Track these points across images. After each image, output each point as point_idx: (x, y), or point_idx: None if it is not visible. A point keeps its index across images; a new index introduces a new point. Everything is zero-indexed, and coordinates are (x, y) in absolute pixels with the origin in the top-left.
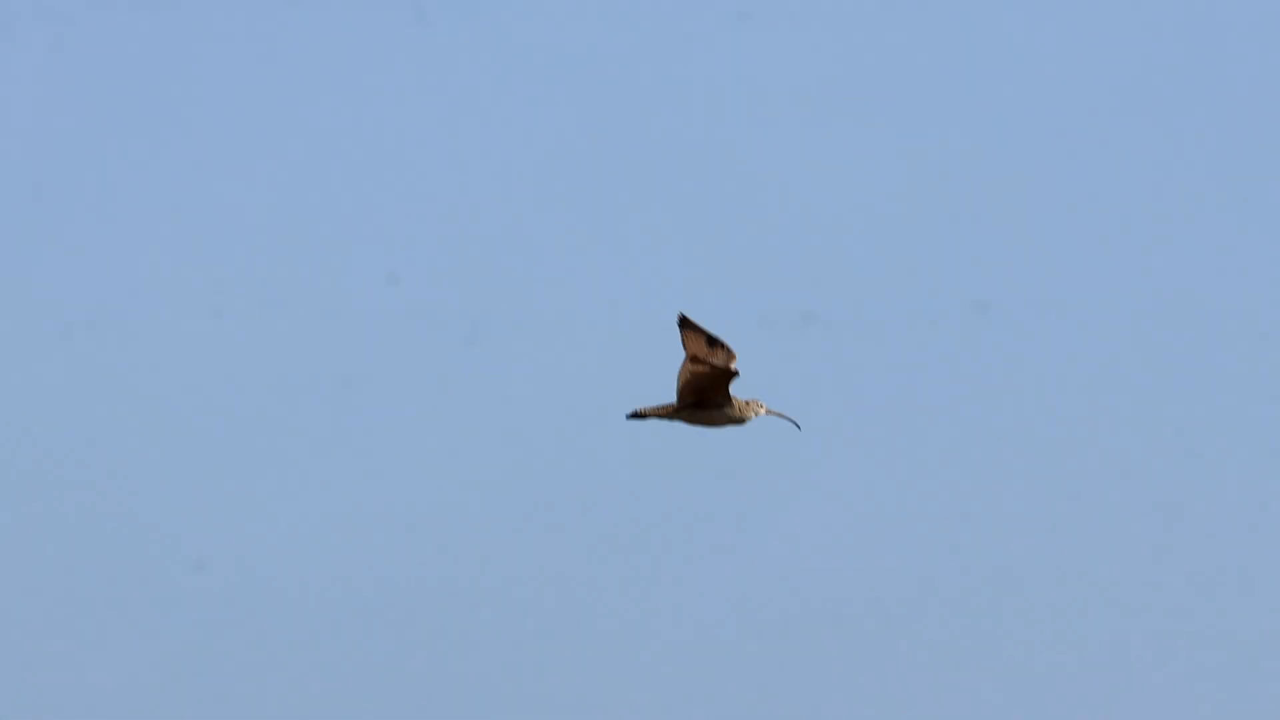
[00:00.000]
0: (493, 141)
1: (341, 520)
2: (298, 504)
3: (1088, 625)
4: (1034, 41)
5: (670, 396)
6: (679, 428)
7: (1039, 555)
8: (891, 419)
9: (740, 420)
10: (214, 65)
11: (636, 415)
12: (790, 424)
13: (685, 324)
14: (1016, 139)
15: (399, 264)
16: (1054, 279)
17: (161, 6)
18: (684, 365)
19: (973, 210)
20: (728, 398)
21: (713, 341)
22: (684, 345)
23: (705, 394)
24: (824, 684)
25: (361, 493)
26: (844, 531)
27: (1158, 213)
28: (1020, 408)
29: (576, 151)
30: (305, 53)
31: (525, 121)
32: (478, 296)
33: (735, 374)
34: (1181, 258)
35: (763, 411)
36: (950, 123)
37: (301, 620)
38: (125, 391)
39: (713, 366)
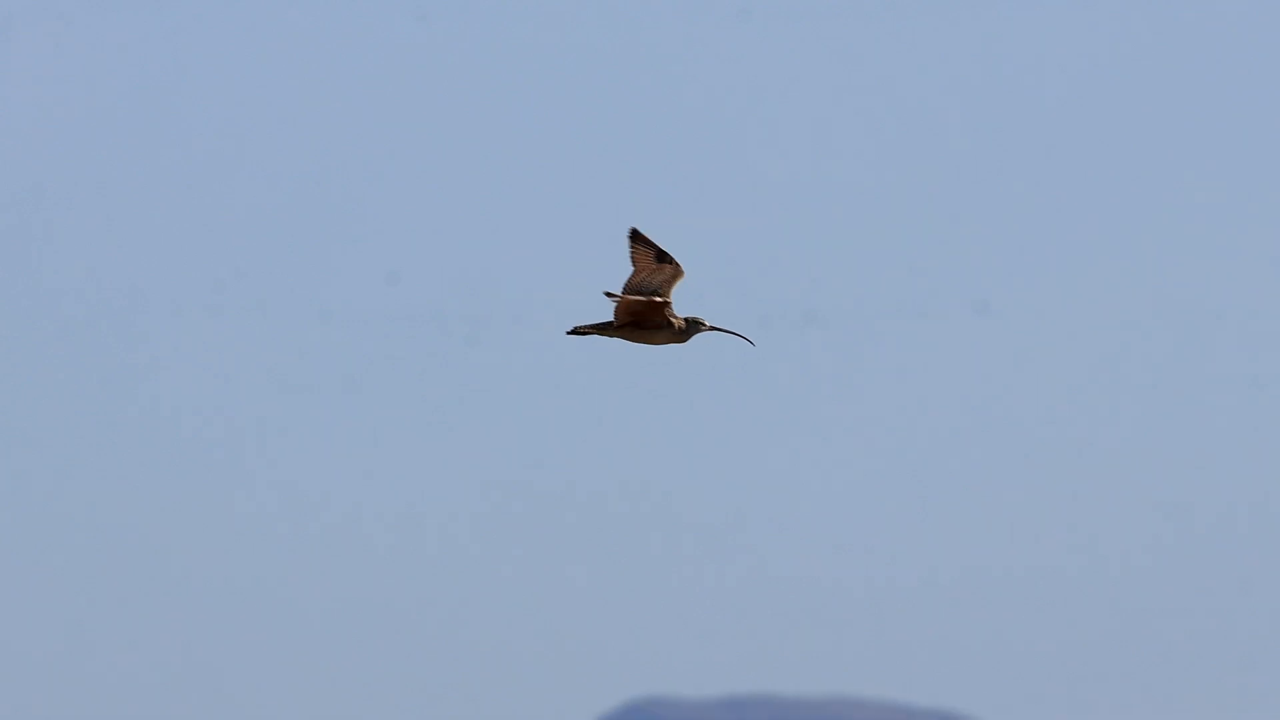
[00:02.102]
0: (493, 141)
1: (341, 519)
2: (297, 502)
3: (1086, 622)
4: (1034, 43)
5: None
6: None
7: (1038, 553)
8: (891, 418)
9: (681, 338)
10: (214, 65)
11: (576, 331)
12: (743, 340)
13: (636, 237)
14: (1017, 140)
15: (399, 264)
16: (1054, 279)
17: (161, 7)
18: (623, 292)
19: (973, 210)
20: (666, 319)
21: (661, 256)
22: (632, 261)
23: (643, 317)
24: (821, 681)
25: (361, 491)
26: (844, 527)
27: (1157, 213)
28: (1020, 407)
29: (576, 151)
30: (306, 53)
31: (525, 121)
32: (478, 296)
33: (668, 304)
34: (1181, 258)
35: (705, 328)
36: (951, 123)
37: (301, 618)
38: (125, 390)
39: (647, 301)
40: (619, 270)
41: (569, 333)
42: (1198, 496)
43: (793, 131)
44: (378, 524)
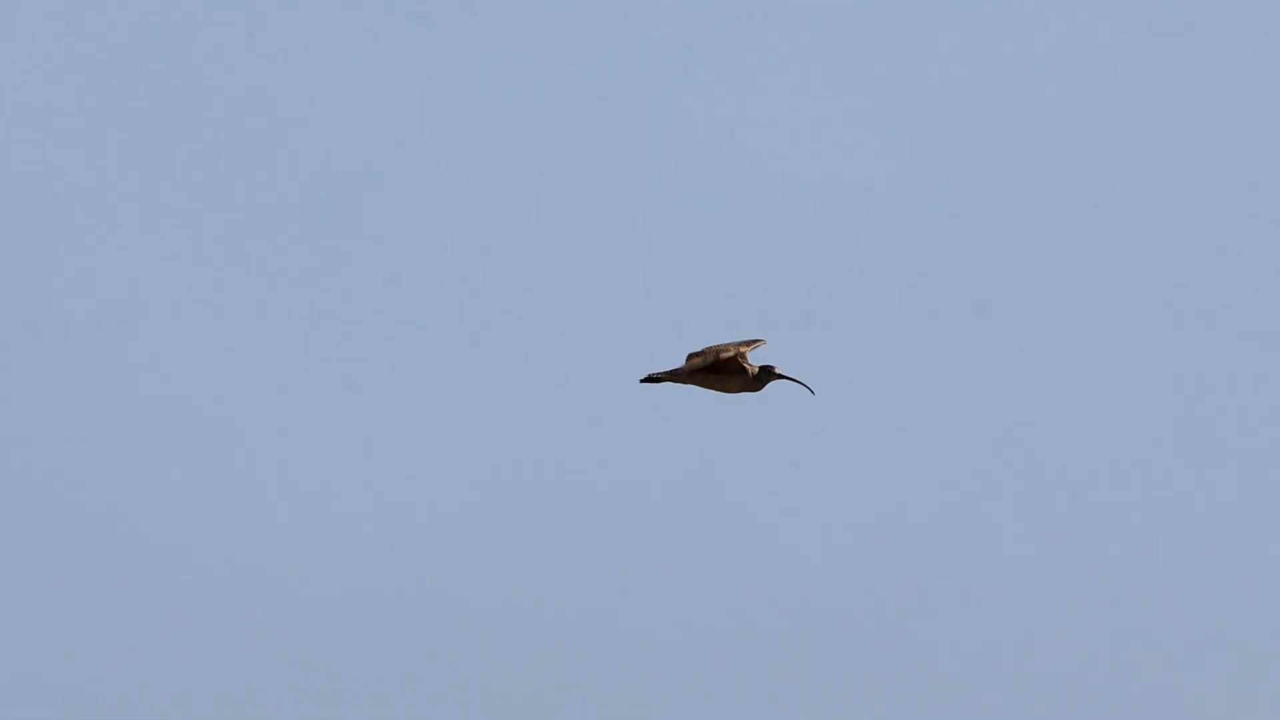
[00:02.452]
0: (493, 141)
1: (341, 519)
2: (298, 503)
3: (1084, 623)
4: (1033, 42)
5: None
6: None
7: (1037, 553)
8: (890, 418)
9: (755, 385)
10: (214, 65)
11: (649, 379)
12: (804, 388)
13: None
14: (1016, 139)
15: (399, 264)
16: (1053, 279)
17: (161, 6)
18: (705, 351)
19: (972, 210)
20: (740, 366)
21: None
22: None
23: (717, 365)
24: (821, 682)
25: (361, 491)
26: (843, 528)
27: (1156, 213)
28: (1018, 407)
29: (576, 151)
30: (306, 53)
31: (525, 121)
32: (478, 296)
33: (740, 353)
34: (1180, 258)
35: (776, 375)
36: (950, 123)
37: (301, 619)
38: (125, 391)
39: (711, 361)
40: (619, 269)
41: (642, 381)
42: (1199, 496)
43: (791, 131)
44: (376, 525)
